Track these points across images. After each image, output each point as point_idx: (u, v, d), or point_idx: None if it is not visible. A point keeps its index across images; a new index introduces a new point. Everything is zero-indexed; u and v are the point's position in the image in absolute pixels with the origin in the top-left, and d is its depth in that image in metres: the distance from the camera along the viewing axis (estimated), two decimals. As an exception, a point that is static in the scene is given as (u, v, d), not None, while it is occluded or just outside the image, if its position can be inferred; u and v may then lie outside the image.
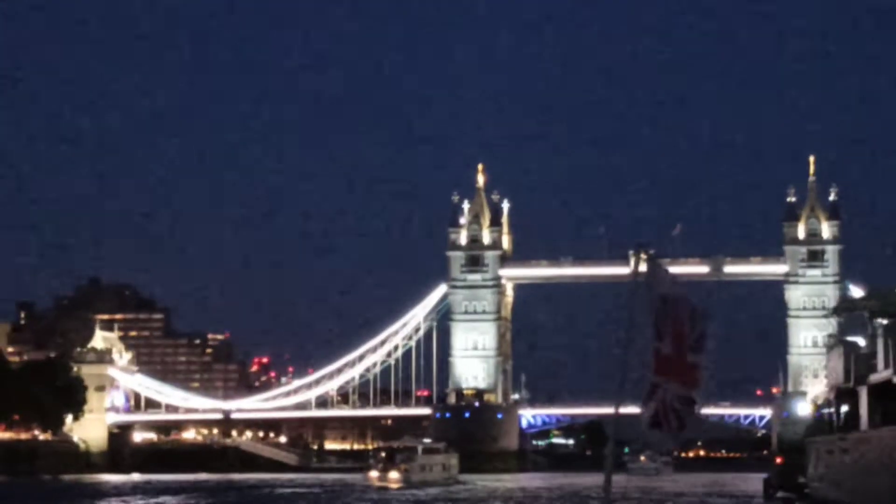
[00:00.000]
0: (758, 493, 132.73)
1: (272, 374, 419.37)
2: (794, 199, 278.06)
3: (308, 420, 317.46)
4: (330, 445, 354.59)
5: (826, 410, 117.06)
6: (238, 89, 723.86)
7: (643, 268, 21.20)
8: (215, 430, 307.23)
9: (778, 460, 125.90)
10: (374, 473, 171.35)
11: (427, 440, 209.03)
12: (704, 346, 20.32)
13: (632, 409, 20.40)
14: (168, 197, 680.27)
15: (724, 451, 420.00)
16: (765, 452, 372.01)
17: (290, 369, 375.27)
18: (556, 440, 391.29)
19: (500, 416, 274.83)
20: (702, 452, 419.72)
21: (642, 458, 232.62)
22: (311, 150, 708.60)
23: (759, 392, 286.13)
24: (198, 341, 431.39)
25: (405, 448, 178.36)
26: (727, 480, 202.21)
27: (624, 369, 20.71)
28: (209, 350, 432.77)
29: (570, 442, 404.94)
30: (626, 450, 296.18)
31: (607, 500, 21.20)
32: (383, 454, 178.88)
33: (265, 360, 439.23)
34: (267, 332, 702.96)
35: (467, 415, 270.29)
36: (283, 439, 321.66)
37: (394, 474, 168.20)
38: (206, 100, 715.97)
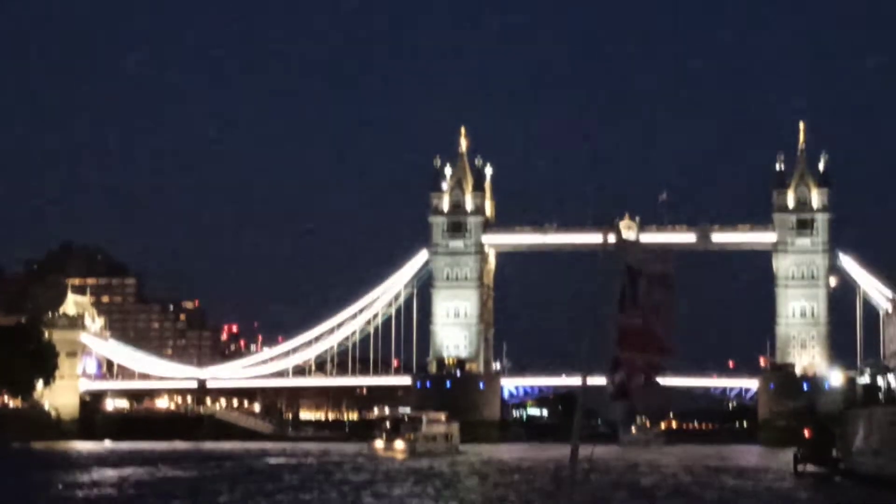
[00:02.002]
0: (776, 468, 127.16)
1: (242, 342, 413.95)
2: (783, 167, 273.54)
3: (282, 389, 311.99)
4: (305, 415, 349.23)
5: (862, 381, 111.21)
6: (217, 52, 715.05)
7: (612, 238, 21.42)
8: (188, 398, 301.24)
9: (806, 433, 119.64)
10: (378, 444, 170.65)
11: (404, 409, 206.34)
12: (669, 315, 20.17)
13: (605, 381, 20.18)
14: (139, 161, 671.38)
15: (695, 423, 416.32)
16: (737, 424, 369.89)
17: (259, 338, 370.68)
18: (531, 410, 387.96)
19: (482, 385, 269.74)
20: (674, 424, 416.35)
21: (633, 429, 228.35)
22: (288, 115, 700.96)
23: (731, 364, 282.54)
24: (171, 307, 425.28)
25: (409, 419, 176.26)
26: (724, 453, 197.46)
27: (592, 339, 20.72)
28: (183, 316, 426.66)
29: (545, 412, 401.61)
30: (600, 421, 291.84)
31: (573, 470, 21.02)
32: (387, 424, 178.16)
33: (234, 328, 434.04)
34: (239, 300, 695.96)
35: (449, 384, 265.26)
36: (256, 408, 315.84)
37: (399, 444, 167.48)
38: (178, 64, 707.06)
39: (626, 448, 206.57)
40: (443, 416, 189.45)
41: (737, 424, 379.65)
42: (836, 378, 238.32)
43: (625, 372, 19.89)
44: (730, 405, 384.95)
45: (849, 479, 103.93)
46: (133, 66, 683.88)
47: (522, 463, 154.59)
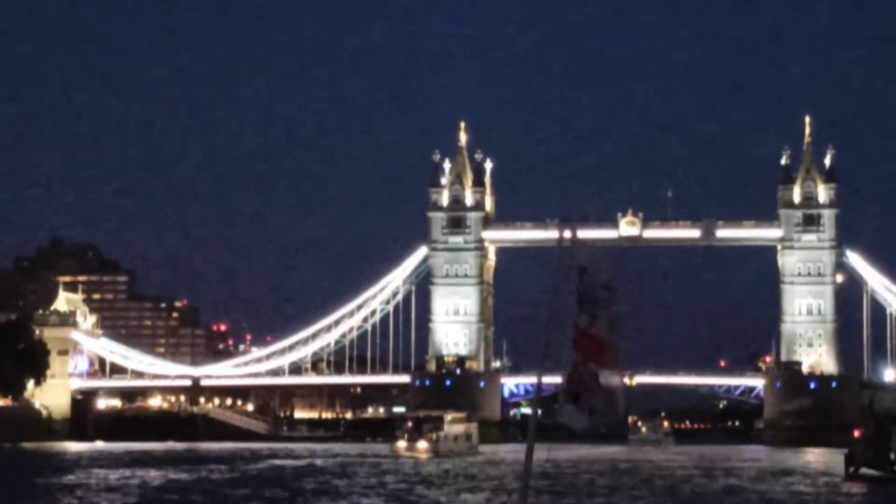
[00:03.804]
0: (825, 471, 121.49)
1: (230, 341, 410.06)
2: (789, 162, 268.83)
3: (276, 388, 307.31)
4: (298, 414, 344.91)
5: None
6: (211, 49, 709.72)
7: (567, 240, 21.28)
8: (182, 397, 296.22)
9: (856, 433, 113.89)
10: (401, 444, 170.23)
11: (399, 409, 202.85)
12: (619, 322, 20.12)
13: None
14: (131, 159, 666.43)
15: (688, 423, 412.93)
16: (730, 423, 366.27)
17: (248, 337, 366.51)
18: (525, 410, 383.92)
19: (482, 384, 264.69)
20: (666, 424, 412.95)
21: (643, 429, 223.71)
22: (283, 108, 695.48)
23: (722, 363, 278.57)
24: (163, 305, 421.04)
25: (431, 418, 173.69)
26: (739, 454, 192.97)
27: (550, 339, 20.53)
28: (175, 314, 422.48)
29: (540, 412, 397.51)
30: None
31: (527, 474, 20.76)
32: (409, 424, 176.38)
33: (223, 327, 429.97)
34: (233, 298, 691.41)
35: (448, 383, 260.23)
36: (250, 407, 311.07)
37: (422, 444, 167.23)
38: (172, 58, 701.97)
39: (636, 448, 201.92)
40: (462, 416, 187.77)
41: (729, 423, 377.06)
42: (889, 375, 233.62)
43: (578, 376, 19.73)
44: (720, 404, 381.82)
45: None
46: (125, 58, 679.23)
47: (557, 463, 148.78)
